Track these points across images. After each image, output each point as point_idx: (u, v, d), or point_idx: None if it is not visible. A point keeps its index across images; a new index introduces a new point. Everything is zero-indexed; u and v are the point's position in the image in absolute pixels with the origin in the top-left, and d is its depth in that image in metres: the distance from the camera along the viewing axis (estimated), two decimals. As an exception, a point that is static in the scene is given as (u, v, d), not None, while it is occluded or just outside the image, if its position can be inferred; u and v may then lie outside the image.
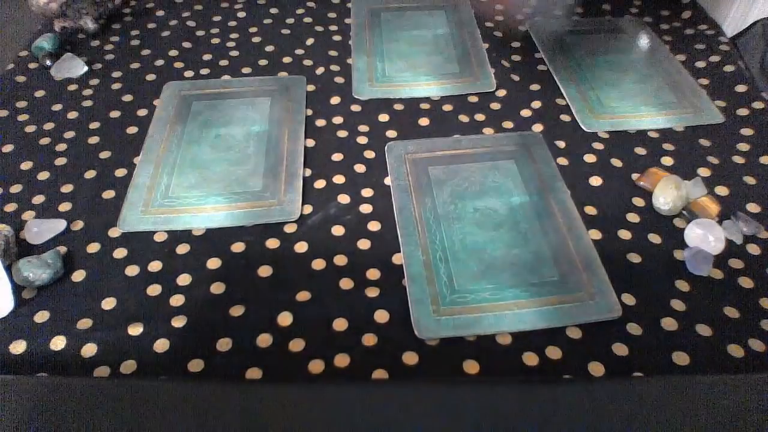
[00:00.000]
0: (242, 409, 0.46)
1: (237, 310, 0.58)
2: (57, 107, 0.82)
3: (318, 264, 0.62)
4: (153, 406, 0.46)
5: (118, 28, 0.97)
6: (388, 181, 0.71)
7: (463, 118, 0.81)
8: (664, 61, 0.90)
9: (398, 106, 0.83)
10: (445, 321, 0.56)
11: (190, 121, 0.79)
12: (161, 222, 0.66)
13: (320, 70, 0.89)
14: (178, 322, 0.57)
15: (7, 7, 1.13)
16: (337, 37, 0.96)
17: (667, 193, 0.66)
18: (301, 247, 0.64)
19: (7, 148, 0.75)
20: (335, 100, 0.84)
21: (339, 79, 0.87)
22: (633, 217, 0.67)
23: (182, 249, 0.63)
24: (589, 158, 0.74)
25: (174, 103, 0.82)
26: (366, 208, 0.68)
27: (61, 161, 0.74)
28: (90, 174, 0.72)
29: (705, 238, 0.63)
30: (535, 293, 0.59)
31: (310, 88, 0.85)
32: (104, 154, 0.75)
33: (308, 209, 0.68)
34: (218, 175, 0.71)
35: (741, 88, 0.84)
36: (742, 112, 0.81)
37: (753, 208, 0.68)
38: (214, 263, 0.62)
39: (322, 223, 0.66)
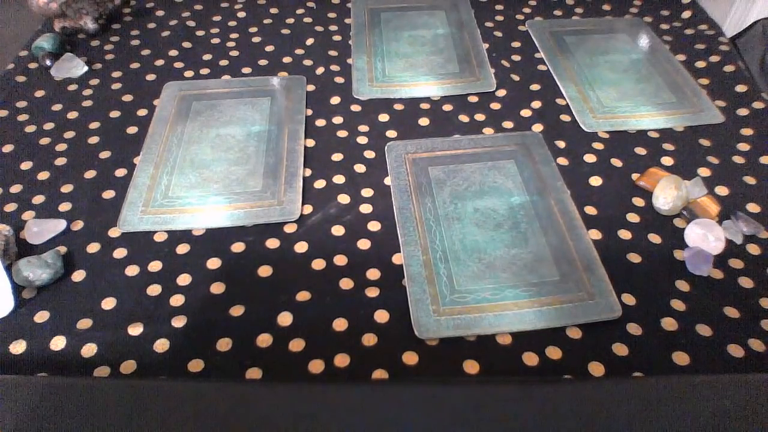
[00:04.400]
0: (242, 409, 0.46)
1: (237, 310, 0.58)
2: (57, 107, 0.82)
3: (318, 264, 0.62)
4: (153, 406, 0.46)
5: (118, 28, 0.97)
6: (388, 181, 0.71)
7: (463, 118, 0.81)
8: (664, 61, 0.90)
9: (398, 106, 0.83)
10: (445, 321, 0.56)
11: (190, 121, 0.79)
12: (161, 222, 0.66)
13: (320, 70, 0.89)
14: (178, 322, 0.57)
15: (7, 7, 1.13)
16: (337, 37, 0.96)
17: (667, 193, 0.66)
18: (301, 247, 0.64)
19: (7, 148, 0.75)
20: (335, 100, 0.84)
21: (339, 79, 0.87)
22: (633, 217, 0.67)
23: (182, 249, 0.63)
24: (589, 158, 0.74)
25: (174, 103, 0.82)
26: (366, 208, 0.68)
27: (61, 161, 0.74)
28: (90, 174, 0.72)
29: (705, 238, 0.63)
30: (535, 293, 0.59)
31: (310, 88, 0.85)
32: (104, 154, 0.75)
33: (308, 209, 0.68)
34: (218, 175, 0.71)
35: (741, 88, 0.84)
36: (742, 112, 0.81)
37: (753, 208, 0.68)
38: (214, 263, 0.62)
39: (322, 223, 0.66)
